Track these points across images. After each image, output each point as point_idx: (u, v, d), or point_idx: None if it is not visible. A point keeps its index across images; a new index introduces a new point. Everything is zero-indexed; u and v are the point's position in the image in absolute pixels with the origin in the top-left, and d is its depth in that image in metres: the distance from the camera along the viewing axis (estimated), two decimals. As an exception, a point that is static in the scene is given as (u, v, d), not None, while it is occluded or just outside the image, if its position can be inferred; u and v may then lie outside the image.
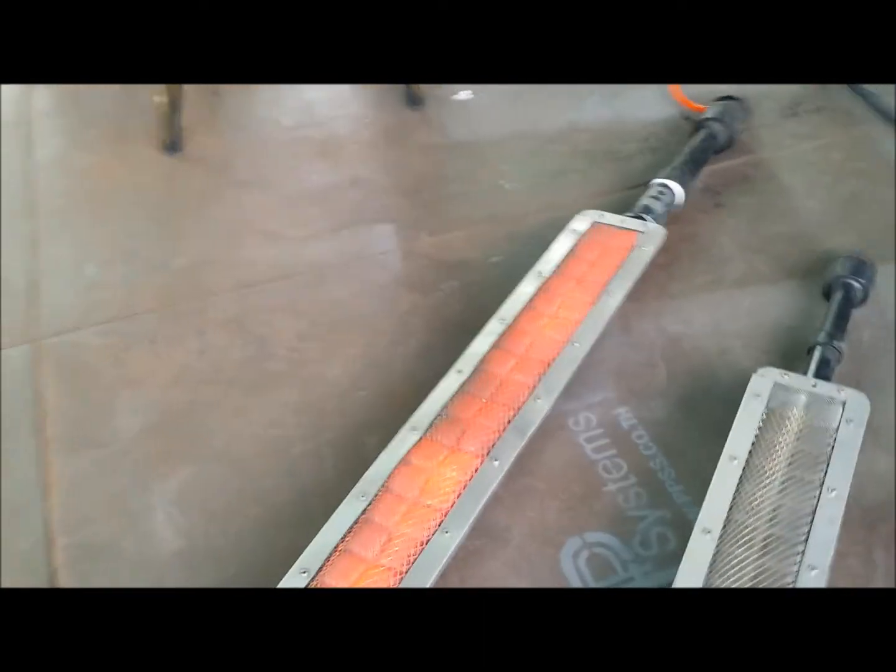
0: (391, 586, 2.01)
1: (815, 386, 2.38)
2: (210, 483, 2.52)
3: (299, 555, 2.08)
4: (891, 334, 2.77)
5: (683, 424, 2.58)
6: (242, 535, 2.40)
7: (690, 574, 1.97)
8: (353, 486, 2.26)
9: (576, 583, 2.22)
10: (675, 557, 2.23)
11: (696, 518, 2.28)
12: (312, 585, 1.99)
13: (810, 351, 2.58)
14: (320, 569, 2.08)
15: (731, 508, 2.10)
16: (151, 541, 2.39)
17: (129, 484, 2.53)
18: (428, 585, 2.01)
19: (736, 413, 2.41)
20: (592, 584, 2.21)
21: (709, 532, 2.09)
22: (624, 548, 2.30)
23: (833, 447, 2.22)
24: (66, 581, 2.28)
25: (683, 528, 2.31)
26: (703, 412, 2.61)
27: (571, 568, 2.27)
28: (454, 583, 2.18)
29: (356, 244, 3.29)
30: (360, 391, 2.76)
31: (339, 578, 2.05)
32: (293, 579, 2.03)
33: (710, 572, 1.96)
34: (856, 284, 2.73)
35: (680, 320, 2.90)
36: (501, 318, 2.66)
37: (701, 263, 3.09)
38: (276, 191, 3.53)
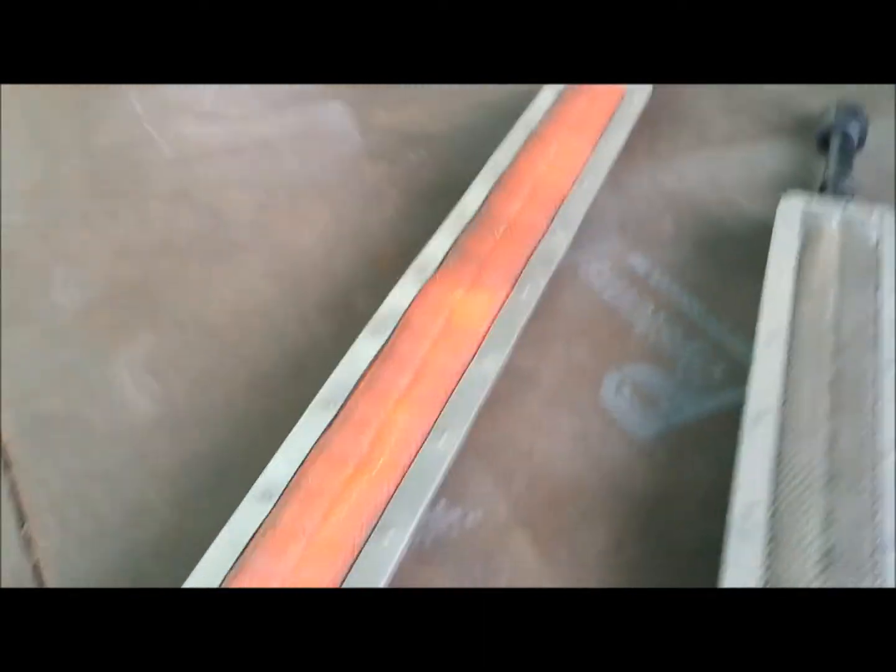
0: (432, 420, 1.79)
1: (846, 207, 2.29)
2: (182, 350, 2.23)
3: (300, 414, 1.84)
4: (891, 180, 2.74)
5: (702, 265, 2.46)
6: (231, 398, 2.11)
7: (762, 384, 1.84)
8: (349, 345, 2.01)
9: (622, 416, 2.05)
10: (722, 385, 2.12)
11: (737, 347, 2.17)
12: (339, 417, 1.76)
13: (823, 189, 2.50)
14: (346, 401, 1.83)
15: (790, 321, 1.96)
16: (122, 410, 2.07)
17: (81, 356, 2.21)
18: (471, 416, 1.80)
19: (753, 252, 2.33)
20: (640, 416, 2.05)
21: (771, 342, 1.94)
22: (666, 380, 2.15)
23: (878, 262, 2.13)
24: (19, 452, 1.94)
25: (725, 357, 2.19)
26: (719, 254, 2.50)
27: (615, 401, 2.10)
28: (486, 423, 1.99)
29: (305, 121, 3.04)
30: (338, 256, 2.51)
31: (375, 402, 1.81)
32: (317, 412, 1.79)
33: (785, 385, 1.83)
34: (852, 130, 2.67)
35: (674, 176, 2.80)
36: (495, 163, 2.47)
37: (684, 125, 3.01)
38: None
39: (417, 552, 1.80)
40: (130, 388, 2.12)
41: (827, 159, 2.63)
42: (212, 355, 2.21)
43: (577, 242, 2.44)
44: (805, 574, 1.55)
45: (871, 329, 1.96)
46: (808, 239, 2.20)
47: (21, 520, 1.84)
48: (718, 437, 2.02)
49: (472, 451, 1.97)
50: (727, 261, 2.47)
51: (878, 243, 2.19)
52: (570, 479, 1.94)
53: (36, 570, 1.77)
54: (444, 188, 2.61)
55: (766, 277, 2.11)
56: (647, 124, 2.90)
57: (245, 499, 1.70)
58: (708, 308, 2.33)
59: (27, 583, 1.73)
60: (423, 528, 1.83)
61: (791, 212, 2.27)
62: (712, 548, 1.78)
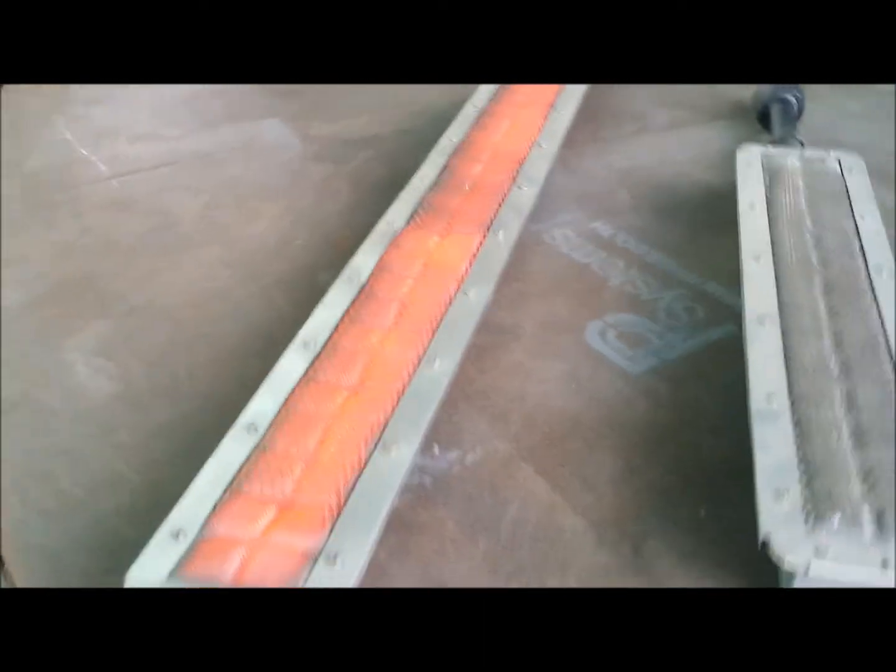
0: (422, 350, 1.70)
1: (802, 150, 2.31)
2: (137, 334, 2.10)
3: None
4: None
5: (666, 227, 2.45)
6: (194, 372, 1.98)
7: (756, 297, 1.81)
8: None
9: (611, 356, 1.98)
10: (709, 323, 2.07)
11: (716, 291, 2.14)
12: (322, 354, 1.65)
13: (774, 144, 2.53)
14: (328, 339, 1.72)
15: (772, 241, 1.95)
16: (79, 391, 1.92)
17: (31, 346, 2.06)
18: (464, 343, 1.71)
19: (713, 213, 2.37)
20: (629, 355, 1.98)
21: (757, 258, 1.91)
22: (651, 323, 2.09)
23: (847, 188, 2.13)
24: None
25: (706, 300, 2.15)
26: (680, 216, 2.50)
27: (600, 344, 2.03)
28: (473, 374, 1.91)
29: (243, 136, 2.99)
30: (295, 241, 2.43)
31: (359, 337, 1.71)
32: (298, 351, 1.67)
33: (779, 294, 1.81)
34: (791, 98, 2.74)
35: (623, 157, 2.81)
36: (448, 138, 2.44)
37: (624, 117, 3.05)
38: (127, 103, 3.16)
39: (420, 495, 1.67)
40: (84, 371, 1.98)
41: (771, 127, 2.66)
42: (169, 335, 2.09)
43: (538, 216, 2.40)
44: (840, 451, 1.47)
45: (855, 242, 1.96)
46: (772, 175, 2.21)
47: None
48: (717, 366, 1.97)
49: (462, 399, 1.87)
50: (689, 221, 2.46)
51: (842, 172, 2.19)
52: (568, 416, 1.84)
53: (-8, 547, 1.58)
54: (394, 181, 2.54)
55: (739, 210, 2.11)
56: (588, 118, 2.92)
57: (230, 431, 1.55)
58: (679, 263, 2.30)
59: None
60: (421, 470, 1.71)
61: (750, 156, 2.29)
62: (730, 465, 1.71)
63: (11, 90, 3.12)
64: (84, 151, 2.88)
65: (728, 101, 3.10)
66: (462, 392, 1.88)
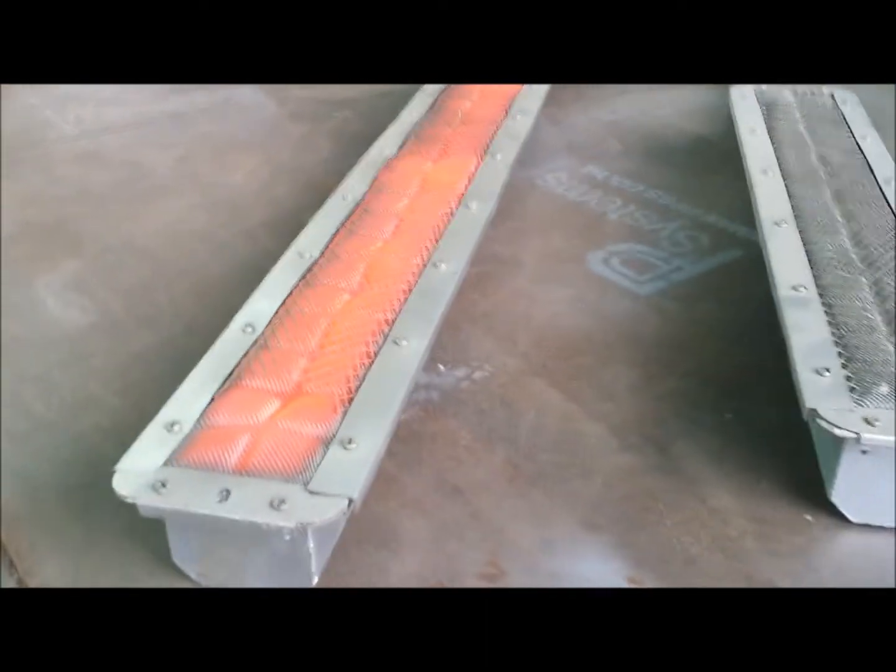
0: (425, 257, 1.59)
1: (793, 91, 2.26)
2: (111, 270, 1.97)
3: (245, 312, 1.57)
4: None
5: (659, 169, 2.37)
6: (178, 301, 1.85)
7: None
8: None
9: (617, 280, 1.89)
10: (715, 248, 2.00)
11: (718, 221, 2.07)
12: (320, 261, 1.54)
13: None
14: (325, 248, 1.60)
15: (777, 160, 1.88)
16: (49, 321, 1.78)
17: (-6, 284, 1.89)
18: (469, 249, 1.61)
19: (703, 157, 2.33)
20: (636, 279, 1.89)
21: (765, 172, 1.84)
22: (655, 250, 2.01)
23: (844, 115, 2.08)
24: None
25: (709, 229, 2.08)
26: (671, 160, 2.43)
27: (605, 270, 1.94)
28: (475, 298, 1.81)
29: (215, 98, 2.87)
30: (278, 187, 2.31)
31: (359, 246, 1.60)
32: (293, 260, 1.55)
33: (791, 202, 1.74)
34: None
35: (608, 112, 2.74)
36: (428, 92, 2.34)
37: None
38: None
39: (428, 408, 1.55)
40: (56, 304, 1.85)
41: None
42: (148, 271, 1.96)
43: (529, 163, 2.32)
44: (876, 331, 1.38)
45: (859, 158, 1.89)
46: (769, 108, 2.14)
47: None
48: (726, 285, 1.89)
49: (466, 322, 1.77)
50: (681, 163, 2.39)
51: (835, 103, 2.13)
52: (578, 333, 1.74)
53: (-42, 470, 1.42)
54: (374, 136, 2.44)
55: (739, 134, 2.05)
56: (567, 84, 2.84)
57: (224, 331, 1.42)
58: (677, 198, 2.22)
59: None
60: (427, 387, 1.59)
61: (744, 91, 2.22)
62: (750, 370, 1.61)
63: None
64: (49, 114, 2.73)
65: (708, 64, 3.04)
66: (465, 314, 1.77)
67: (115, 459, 1.37)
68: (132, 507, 1.29)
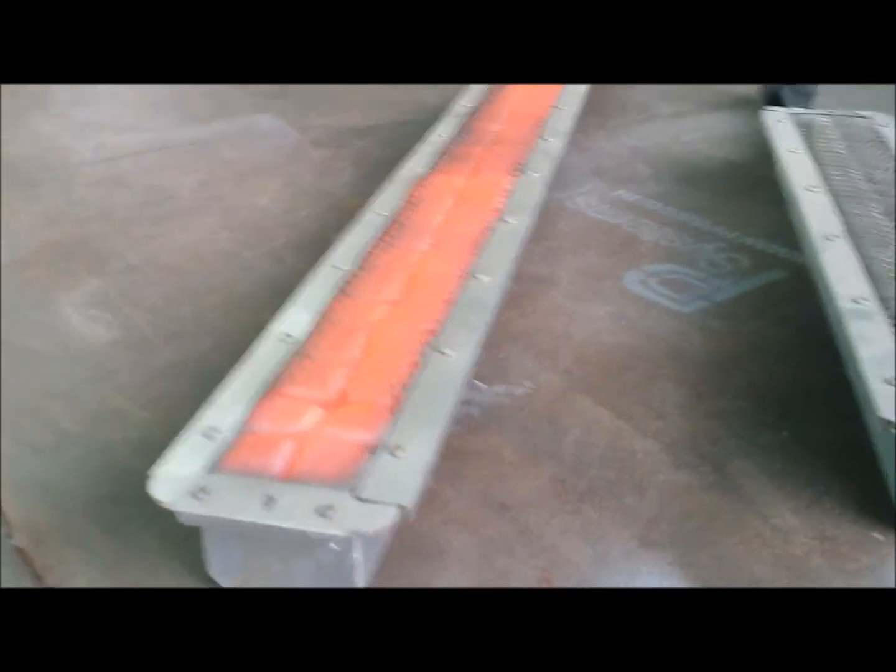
0: (465, 268, 1.55)
1: (827, 114, 2.24)
2: (136, 287, 1.93)
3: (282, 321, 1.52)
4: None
5: (691, 192, 2.34)
6: (203, 317, 1.80)
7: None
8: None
9: (657, 299, 1.85)
10: (756, 269, 1.96)
11: (757, 244, 2.03)
12: (357, 273, 1.49)
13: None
14: (362, 260, 1.56)
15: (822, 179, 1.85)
16: (73, 338, 1.74)
17: (15, 301, 1.87)
18: (510, 258, 1.57)
19: (733, 182, 2.32)
20: (677, 298, 1.84)
21: (811, 189, 1.80)
22: (693, 270, 1.96)
23: (881, 137, 2.05)
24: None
25: (748, 252, 2.04)
26: (703, 184, 2.40)
27: (644, 290, 1.89)
28: (513, 317, 1.76)
29: (236, 127, 2.86)
30: (301, 210, 2.28)
31: (396, 258, 1.56)
32: (328, 272, 1.51)
33: (840, 217, 1.70)
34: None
35: (634, 139, 2.72)
36: (463, 104, 2.33)
37: (629, 108, 2.97)
38: (109, 102, 3.02)
39: (470, 425, 1.49)
40: (79, 320, 1.81)
41: (782, 102, 2.61)
42: (172, 287, 1.92)
43: (557, 186, 2.28)
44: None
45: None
46: (804, 129, 2.11)
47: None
48: (771, 303, 1.85)
49: (505, 341, 1.72)
50: (712, 187, 2.37)
51: (872, 126, 2.11)
52: (622, 350, 1.69)
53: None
54: (398, 161, 2.41)
55: (779, 154, 2.02)
56: (594, 110, 2.83)
57: (261, 340, 1.37)
58: (712, 221, 2.18)
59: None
60: (467, 403, 1.53)
61: (779, 115, 2.20)
62: (804, 387, 1.56)
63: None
64: (67, 140, 2.72)
65: (728, 95, 3.04)
66: (503, 333, 1.72)
67: (145, 473, 1.32)
68: (163, 521, 1.24)
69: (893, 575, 1.23)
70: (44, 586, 1.18)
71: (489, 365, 1.63)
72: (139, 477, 1.34)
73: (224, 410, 1.20)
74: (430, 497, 1.32)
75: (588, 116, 2.74)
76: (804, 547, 1.27)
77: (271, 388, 1.25)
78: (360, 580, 1.10)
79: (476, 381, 1.58)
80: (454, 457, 1.41)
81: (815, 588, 1.19)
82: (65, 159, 2.59)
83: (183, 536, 1.20)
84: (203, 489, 1.07)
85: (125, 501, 1.32)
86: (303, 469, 1.11)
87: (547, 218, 2.14)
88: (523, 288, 1.87)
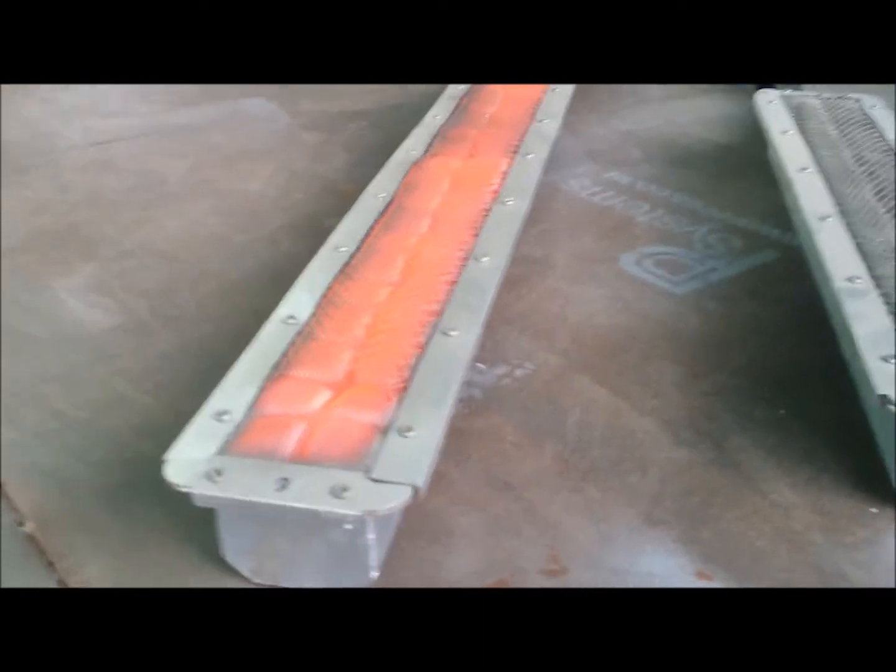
0: (465, 250, 1.57)
1: (817, 96, 2.27)
2: (132, 273, 1.94)
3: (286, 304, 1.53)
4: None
5: (684, 174, 2.37)
6: (203, 303, 1.82)
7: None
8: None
9: (652, 280, 1.87)
10: (749, 250, 1.99)
11: (749, 225, 2.06)
12: (357, 255, 1.52)
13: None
14: (361, 243, 1.58)
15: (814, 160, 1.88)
16: (71, 322, 1.75)
17: (8, 287, 1.86)
18: (511, 241, 1.59)
19: (726, 163, 2.35)
20: (672, 279, 1.87)
21: (803, 170, 1.83)
22: (688, 252, 1.99)
23: (872, 119, 2.08)
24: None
25: (741, 233, 2.07)
26: (696, 166, 2.42)
27: (639, 271, 1.92)
28: (509, 300, 1.78)
29: (225, 111, 2.86)
30: (296, 194, 2.29)
31: (396, 240, 1.58)
32: (329, 254, 1.53)
33: (832, 198, 1.75)
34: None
35: (626, 122, 2.74)
36: (456, 86, 2.34)
37: (620, 92, 2.98)
38: (94, 87, 3.00)
39: (471, 405, 1.52)
40: (77, 306, 1.81)
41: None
42: (169, 273, 1.93)
43: (550, 168, 2.29)
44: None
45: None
46: (797, 111, 2.14)
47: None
48: (766, 284, 1.87)
49: (502, 323, 1.74)
50: (705, 169, 2.39)
51: (862, 108, 2.14)
52: (618, 331, 1.72)
53: (-15, 470, 1.38)
54: (392, 144, 2.42)
55: (771, 136, 2.04)
56: (585, 95, 2.84)
57: (266, 323, 1.39)
58: (705, 202, 2.21)
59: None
60: (468, 384, 1.56)
61: (770, 96, 2.22)
62: (800, 368, 1.60)
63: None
64: (54, 125, 2.71)
65: (721, 77, 3.06)
66: (500, 315, 1.74)
67: (153, 458, 1.33)
68: (172, 505, 1.26)
69: (891, 548, 1.26)
70: (57, 576, 1.20)
71: (489, 346, 1.66)
72: (146, 462, 1.37)
73: (233, 394, 1.22)
74: (436, 477, 1.34)
75: (579, 100, 2.76)
76: (803, 521, 1.30)
77: (279, 370, 1.27)
78: (374, 560, 1.12)
79: (478, 364, 1.61)
80: (457, 437, 1.43)
81: (816, 588, 1.21)
82: (52, 144, 2.58)
83: (193, 520, 1.22)
84: (217, 471, 1.09)
85: (133, 487, 1.34)
86: (314, 450, 1.13)
87: (541, 201, 2.16)
88: (519, 270, 1.89)
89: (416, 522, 1.28)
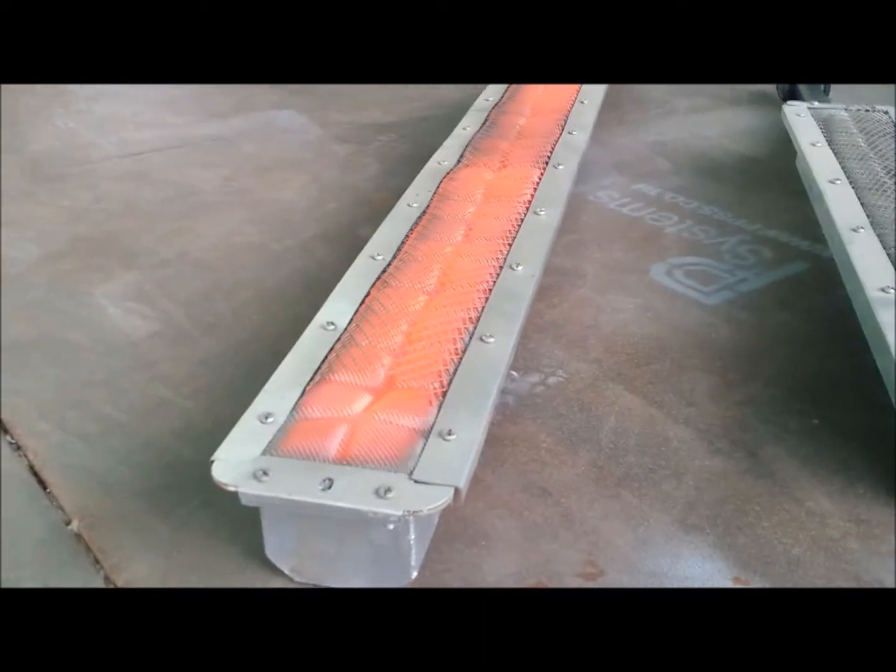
0: (499, 259, 1.59)
1: (846, 108, 2.28)
2: (170, 281, 1.97)
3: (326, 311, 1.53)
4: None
5: (712, 186, 2.38)
6: (240, 311, 1.84)
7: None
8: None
9: (683, 291, 1.89)
10: (779, 262, 1.99)
11: (780, 237, 2.07)
12: (393, 263, 1.55)
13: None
14: (398, 250, 1.61)
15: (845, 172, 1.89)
16: (111, 329, 1.78)
17: (48, 295, 1.92)
18: (545, 251, 1.61)
19: (755, 175, 2.37)
20: (703, 290, 1.88)
21: (834, 182, 1.84)
22: (718, 263, 2.00)
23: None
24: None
25: (771, 244, 2.08)
26: (724, 178, 2.44)
27: (669, 282, 1.93)
28: (541, 309, 1.81)
29: (256, 123, 2.90)
30: (329, 203, 2.32)
31: (432, 250, 1.61)
32: (366, 262, 1.56)
33: (864, 210, 1.76)
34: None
35: (653, 134, 2.76)
36: (486, 98, 2.36)
37: (646, 104, 3.01)
38: (128, 98, 3.05)
39: (505, 412, 1.54)
40: (116, 313, 1.85)
41: (799, 96, 2.65)
42: (206, 281, 1.96)
43: (578, 180, 2.31)
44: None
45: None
46: (825, 123, 2.15)
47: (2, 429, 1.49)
48: (797, 295, 1.88)
49: (533, 331, 1.76)
50: (733, 182, 2.41)
51: (891, 120, 2.15)
52: (650, 341, 1.73)
53: (32, 471, 1.41)
54: (423, 156, 2.45)
55: (800, 148, 2.06)
56: (612, 106, 2.87)
57: (306, 330, 1.41)
58: (734, 214, 2.22)
59: (24, 483, 1.38)
60: (501, 391, 1.56)
61: (798, 109, 2.24)
62: (833, 378, 1.61)
63: (4, 90, 3.00)
64: (90, 136, 2.75)
65: (744, 90, 3.09)
66: (532, 324, 1.76)
67: (193, 461, 1.36)
68: (217, 507, 1.29)
69: (927, 556, 1.27)
70: (104, 573, 1.22)
71: (521, 354, 1.68)
72: (188, 465, 1.40)
73: (277, 397, 1.24)
74: (472, 483, 1.36)
75: (607, 111, 2.79)
76: (840, 530, 1.31)
77: (321, 375, 1.29)
78: (415, 561, 1.14)
79: (511, 371, 1.63)
80: (492, 444, 1.45)
81: (815, 588, 1.22)
82: (88, 155, 2.62)
83: (237, 521, 1.25)
84: (264, 471, 1.11)
85: (176, 488, 1.36)
86: (357, 452, 1.15)
87: (570, 212, 2.18)
88: (550, 280, 1.91)
89: (453, 526, 1.30)
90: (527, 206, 1.75)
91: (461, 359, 1.33)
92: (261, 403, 1.24)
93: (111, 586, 1.20)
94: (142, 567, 1.23)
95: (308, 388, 1.27)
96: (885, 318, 1.41)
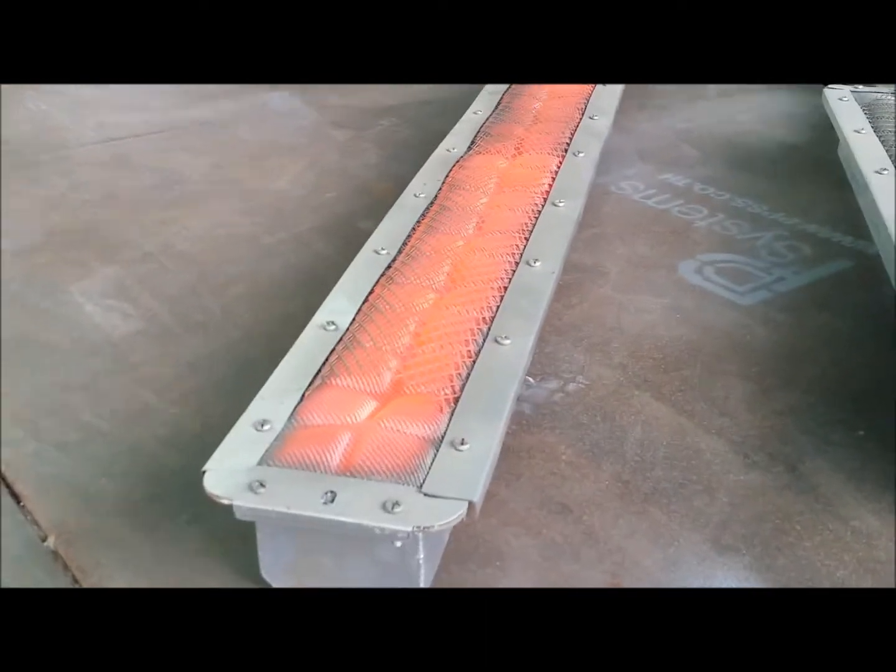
0: (515, 254, 1.59)
1: (893, 92, 2.28)
2: (153, 276, 1.97)
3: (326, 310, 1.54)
4: None
5: (745, 177, 2.39)
6: (227, 307, 1.85)
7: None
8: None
9: (715, 290, 1.89)
10: (819, 259, 1.99)
11: (820, 232, 2.07)
12: (399, 258, 1.55)
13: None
14: (403, 244, 1.61)
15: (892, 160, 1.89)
16: (89, 329, 1.78)
17: (25, 290, 1.91)
18: (565, 245, 1.61)
19: (792, 164, 2.39)
20: (736, 289, 1.89)
21: (881, 172, 1.85)
22: (753, 260, 2.00)
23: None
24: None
25: (810, 240, 2.08)
26: (758, 168, 2.44)
27: (699, 280, 1.93)
28: (559, 309, 1.82)
29: (247, 106, 2.91)
30: (326, 192, 2.32)
31: (441, 242, 1.60)
32: (369, 256, 1.58)
33: None
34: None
35: (680, 120, 2.77)
36: (492, 87, 2.36)
37: (671, 88, 3.00)
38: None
39: (521, 422, 1.54)
40: (94, 311, 1.85)
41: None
42: (192, 276, 1.96)
43: (600, 169, 2.32)
44: None
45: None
46: (870, 109, 2.15)
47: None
48: (839, 295, 1.89)
49: (552, 333, 1.76)
50: (768, 171, 2.41)
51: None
52: (679, 344, 1.73)
53: (5, 483, 1.41)
54: (426, 140, 2.46)
55: (844, 134, 2.06)
56: (632, 90, 2.86)
57: (305, 329, 1.41)
58: (769, 207, 2.22)
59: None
60: (517, 399, 1.56)
61: (841, 93, 2.24)
62: (879, 384, 1.61)
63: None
64: (65, 119, 2.76)
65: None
66: (550, 325, 1.76)
67: (180, 470, 1.37)
68: (204, 521, 1.28)
69: (984, 580, 1.27)
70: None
71: (539, 358, 1.68)
72: (175, 475, 1.40)
73: (273, 403, 1.24)
74: (485, 498, 1.36)
75: (627, 96, 2.79)
76: (888, 551, 1.31)
77: (322, 379, 1.29)
78: (424, 582, 1.14)
79: (527, 377, 1.63)
80: (507, 455, 1.45)
81: (815, 588, 1.22)
82: (63, 140, 2.63)
83: (229, 537, 1.25)
84: (260, 483, 1.11)
85: (160, 500, 1.36)
86: (362, 463, 1.15)
87: (590, 203, 2.18)
88: (569, 278, 1.91)
89: (465, 544, 1.30)
90: (544, 196, 1.75)
91: (474, 362, 1.33)
92: (256, 409, 1.24)
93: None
94: (122, 586, 1.22)
95: (307, 393, 1.27)
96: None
